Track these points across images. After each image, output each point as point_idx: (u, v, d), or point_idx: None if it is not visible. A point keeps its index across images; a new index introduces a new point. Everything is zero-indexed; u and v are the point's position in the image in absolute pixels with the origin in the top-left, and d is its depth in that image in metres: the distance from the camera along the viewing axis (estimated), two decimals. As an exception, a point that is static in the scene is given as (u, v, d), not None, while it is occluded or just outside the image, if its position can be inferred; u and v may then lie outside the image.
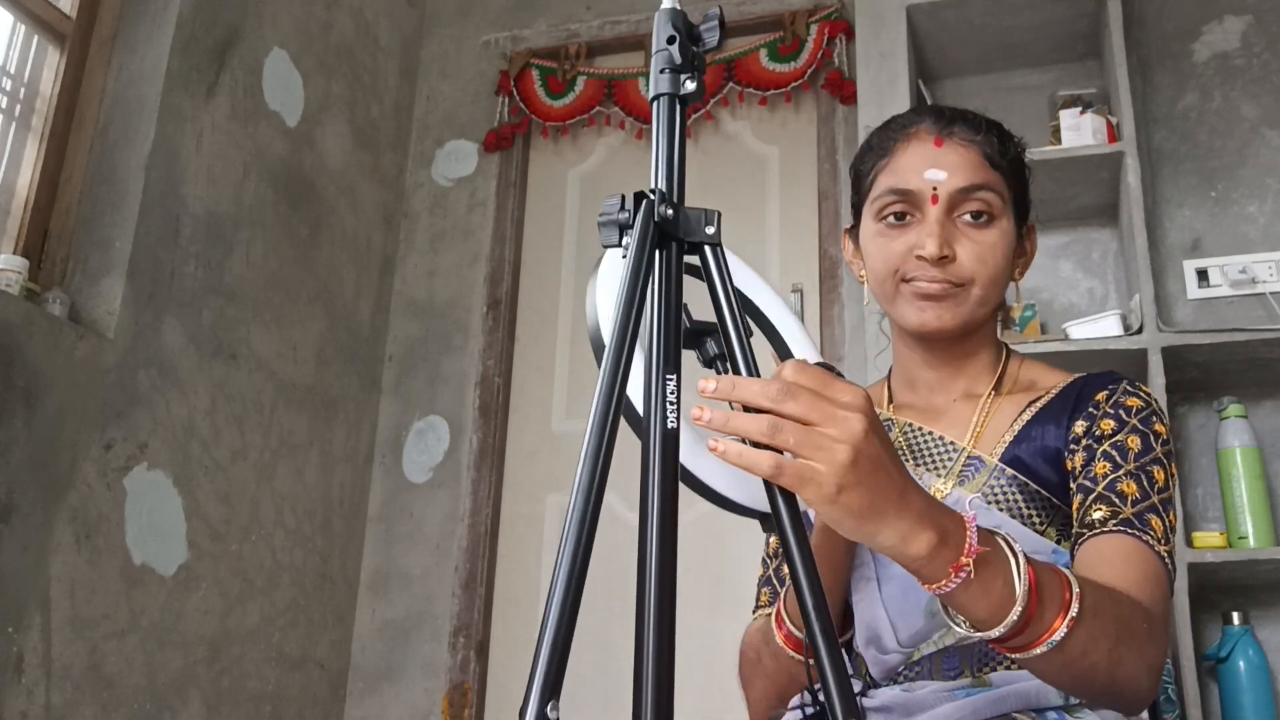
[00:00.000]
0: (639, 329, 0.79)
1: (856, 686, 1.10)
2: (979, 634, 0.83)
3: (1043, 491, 1.07)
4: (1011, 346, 1.24)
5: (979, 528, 0.81)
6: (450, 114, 3.30)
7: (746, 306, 1.09)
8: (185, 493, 2.33)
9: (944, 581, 0.79)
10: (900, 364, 1.22)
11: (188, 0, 2.42)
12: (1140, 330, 2.20)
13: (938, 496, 1.06)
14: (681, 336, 0.81)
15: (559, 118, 3.14)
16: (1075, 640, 0.85)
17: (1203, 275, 2.47)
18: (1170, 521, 1.01)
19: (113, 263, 2.23)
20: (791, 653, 1.08)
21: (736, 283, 0.93)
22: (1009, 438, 1.11)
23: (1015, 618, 0.81)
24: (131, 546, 2.18)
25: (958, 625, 0.85)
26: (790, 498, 0.77)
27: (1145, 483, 1.02)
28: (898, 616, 1.07)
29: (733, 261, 0.95)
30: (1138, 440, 1.05)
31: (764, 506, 0.78)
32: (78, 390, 2.08)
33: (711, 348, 0.89)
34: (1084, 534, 1.01)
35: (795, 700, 1.14)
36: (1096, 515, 1.01)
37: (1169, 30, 2.67)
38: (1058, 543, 1.06)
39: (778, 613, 1.11)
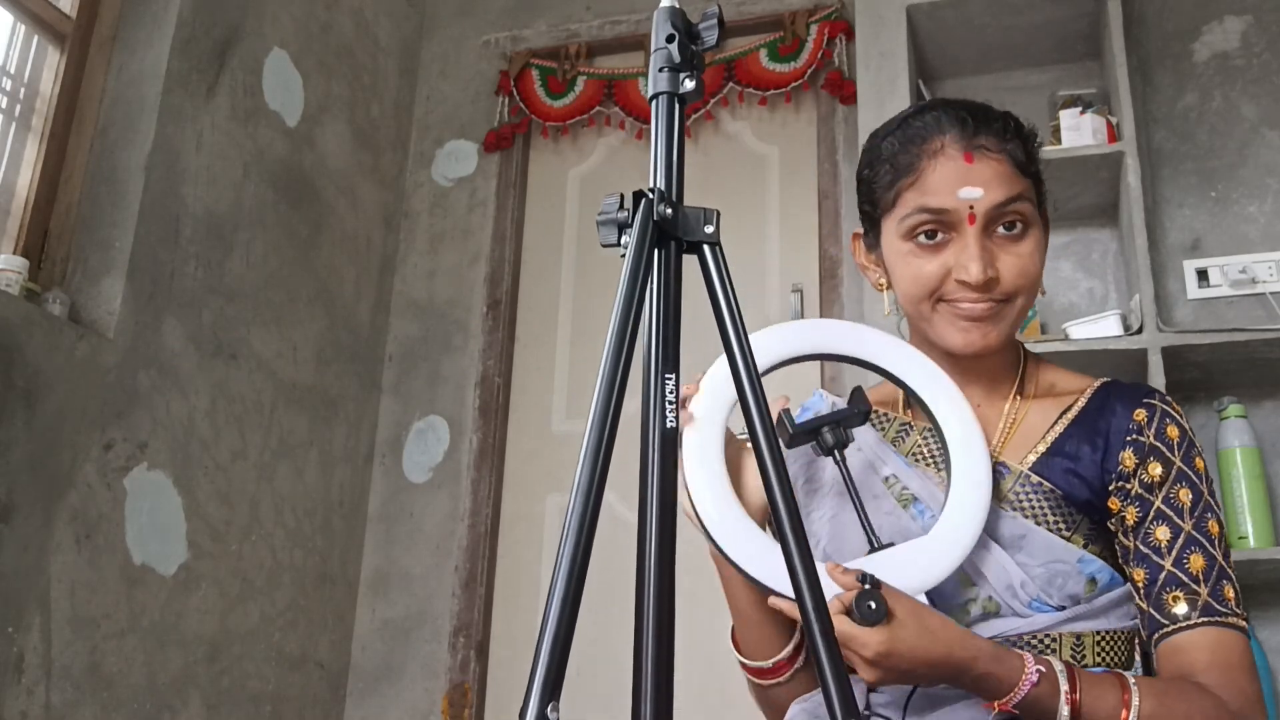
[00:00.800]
0: (639, 328, 0.79)
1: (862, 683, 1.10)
2: None
3: (1068, 500, 1.07)
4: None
5: (1040, 674, 0.95)
6: (450, 114, 3.30)
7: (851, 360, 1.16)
8: (185, 493, 2.33)
9: (985, 708, 0.97)
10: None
11: (188, 0, 2.42)
12: (1140, 330, 2.20)
13: None
14: (680, 336, 0.81)
15: (559, 118, 3.14)
16: None
17: (1203, 275, 2.47)
18: (1232, 567, 1.05)
19: (113, 263, 2.23)
20: (755, 680, 1.14)
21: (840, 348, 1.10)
22: (1041, 449, 1.10)
23: None
24: (131, 546, 2.18)
25: None
26: (789, 493, 0.77)
27: (1207, 544, 1.04)
28: None
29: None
30: (1188, 492, 1.05)
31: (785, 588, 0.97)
32: (78, 390, 2.08)
33: (829, 438, 1.05)
34: (1165, 626, 1.03)
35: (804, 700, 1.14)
36: (1179, 610, 1.02)
37: (1169, 30, 2.67)
38: (1084, 548, 1.05)
39: (734, 636, 1.16)
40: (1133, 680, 0.96)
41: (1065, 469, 1.08)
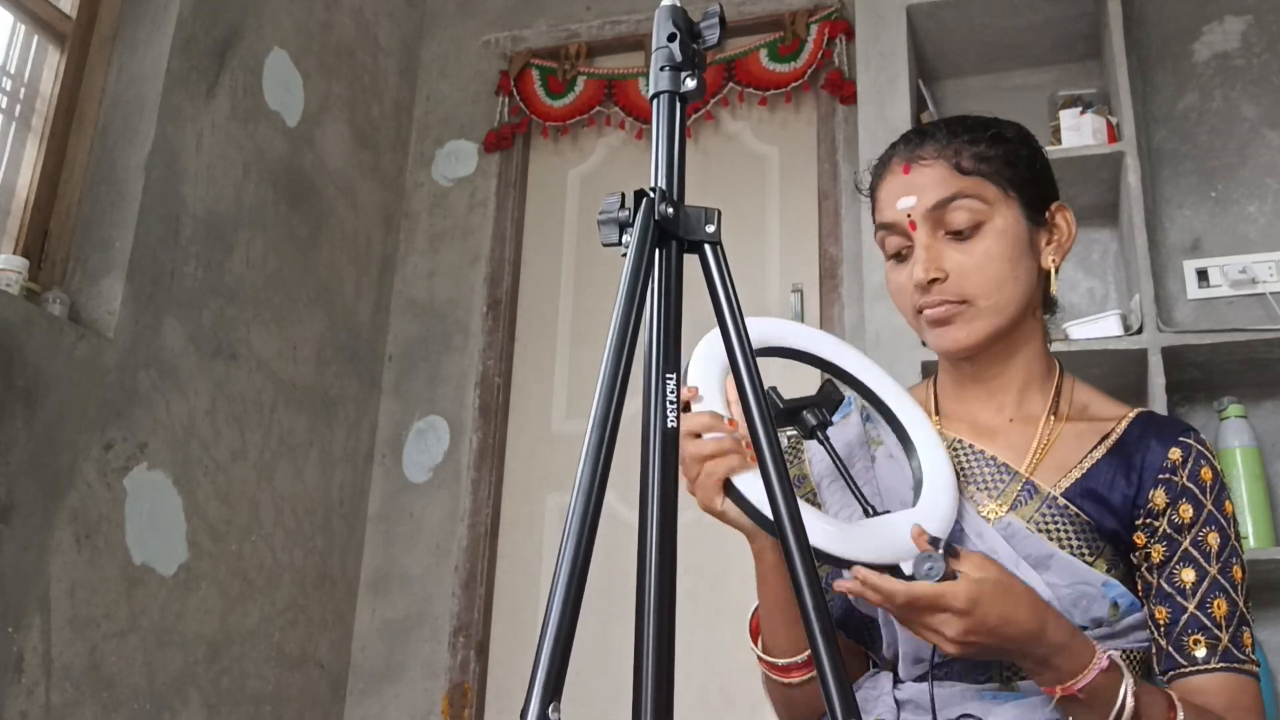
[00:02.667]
0: (639, 328, 0.79)
1: (890, 678, 1.10)
2: None
3: (1095, 528, 1.07)
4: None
5: (1110, 660, 0.95)
6: (450, 114, 3.30)
7: (835, 372, 1.16)
8: (185, 493, 2.33)
9: (1047, 692, 0.97)
10: (946, 375, 1.20)
11: (188, 0, 2.42)
12: (1140, 330, 2.20)
13: (991, 518, 1.08)
14: (680, 336, 0.81)
15: (559, 118, 3.14)
16: None
17: (1203, 275, 2.47)
18: (1251, 613, 1.07)
19: (113, 263, 2.23)
20: (776, 678, 1.13)
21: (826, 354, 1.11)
22: (1076, 475, 1.09)
23: None
24: (131, 546, 2.18)
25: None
26: (789, 493, 0.77)
27: (1231, 589, 1.06)
28: None
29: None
30: (1216, 536, 1.06)
31: (862, 557, 0.96)
32: (78, 390, 2.08)
33: (810, 419, 1.05)
34: (1183, 667, 1.04)
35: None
36: (1199, 653, 1.03)
37: (1169, 30, 2.67)
38: (1107, 573, 1.05)
39: (752, 626, 1.15)
40: (1177, 699, 0.99)
41: (1098, 498, 1.07)
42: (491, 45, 3.29)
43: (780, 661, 1.12)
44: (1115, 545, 1.07)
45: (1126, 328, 2.26)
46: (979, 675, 1.06)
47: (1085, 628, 1.04)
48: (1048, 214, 1.15)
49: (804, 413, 1.05)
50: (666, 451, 0.75)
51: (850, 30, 2.88)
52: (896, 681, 1.10)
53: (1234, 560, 1.07)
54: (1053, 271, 1.14)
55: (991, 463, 1.12)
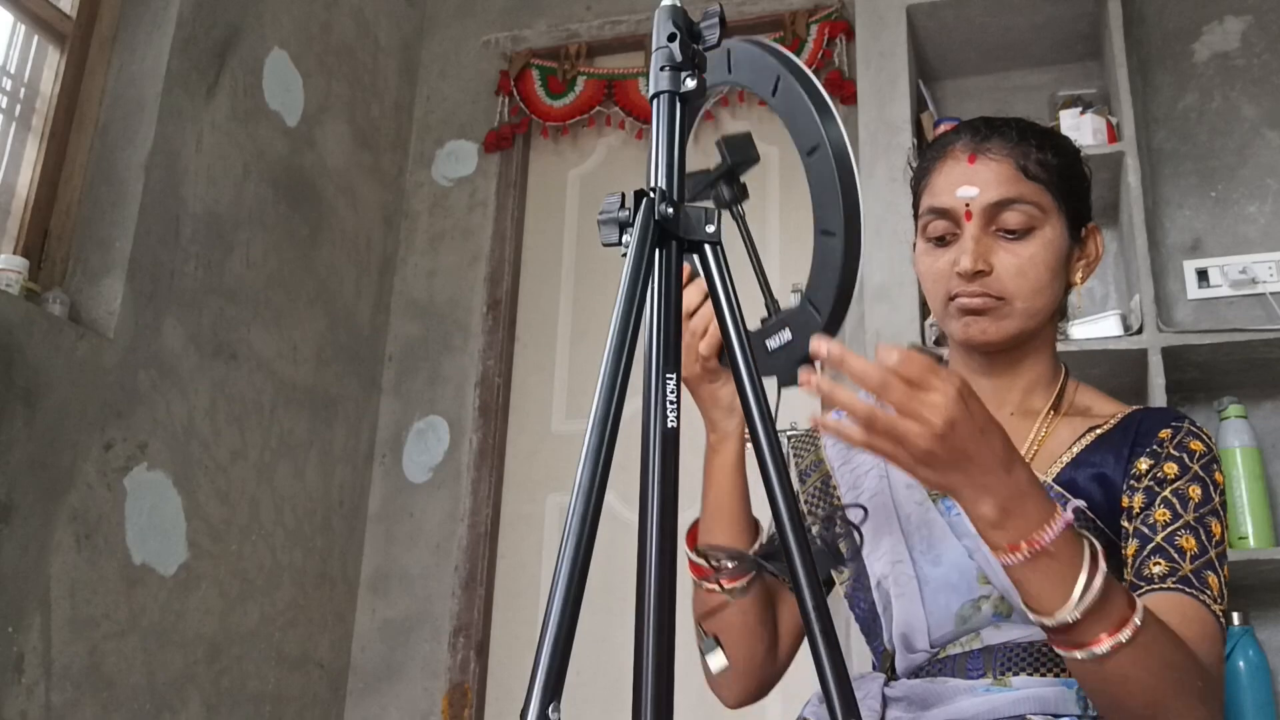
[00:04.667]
0: (639, 328, 0.79)
1: (881, 679, 1.10)
2: (1031, 615, 0.89)
3: (1089, 514, 1.07)
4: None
5: (1069, 528, 0.87)
6: (450, 114, 3.30)
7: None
8: (185, 493, 2.33)
9: (1002, 555, 0.88)
10: (956, 370, 1.21)
11: (188, 0, 2.42)
12: (1140, 330, 2.20)
13: None
14: (680, 336, 0.81)
15: (559, 118, 3.14)
16: (1117, 663, 0.88)
17: (1203, 275, 2.47)
18: (1225, 576, 1.02)
19: (113, 263, 2.23)
20: (705, 584, 1.13)
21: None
22: (1066, 459, 1.11)
23: (1063, 619, 0.87)
24: (131, 546, 2.18)
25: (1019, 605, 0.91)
26: (789, 493, 0.77)
27: (1204, 536, 1.03)
28: (933, 617, 1.09)
29: None
30: (1199, 490, 1.05)
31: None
32: (78, 390, 2.08)
33: (725, 193, 1.00)
34: (1140, 586, 1.01)
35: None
36: (1156, 570, 1.01)
37: (1169, 30, 2.67)
38: None
39: (688, 539, 1.14)
40: (1138, 600, 0.93)
41: (1089, 475, 1.09)
42: (491, 45, 3.29)
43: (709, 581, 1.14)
44: (1106, 537, 1.07)
45: (1126, 328, 2.26)
46: (973, 672, 1.06)
47: None
48: (1084, 231, 1.18)
49: (720, 186, 1.00)
50: (666, 451, 0.75)
51: (850, 30, 2.88)
52: (888, 681, 1.10)
53: (1213, 517, 1.04)
54: (1078, 286, 1.17)
55: None
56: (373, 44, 3.14)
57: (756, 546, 1.14)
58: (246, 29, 2.62)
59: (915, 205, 1.21)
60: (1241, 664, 2.09)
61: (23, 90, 2.29)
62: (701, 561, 1.14)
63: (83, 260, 2.24)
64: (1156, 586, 1.00)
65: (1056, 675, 1.03)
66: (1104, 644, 0.87)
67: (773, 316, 0.97)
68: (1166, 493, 1.05)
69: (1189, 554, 1.01)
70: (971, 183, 1.12)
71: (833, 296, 0.91)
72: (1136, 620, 0.88)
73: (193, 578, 2.34)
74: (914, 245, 1.26)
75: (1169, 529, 1.03)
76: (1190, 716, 0.91)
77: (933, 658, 1.09)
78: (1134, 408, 1.16)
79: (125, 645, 2.15)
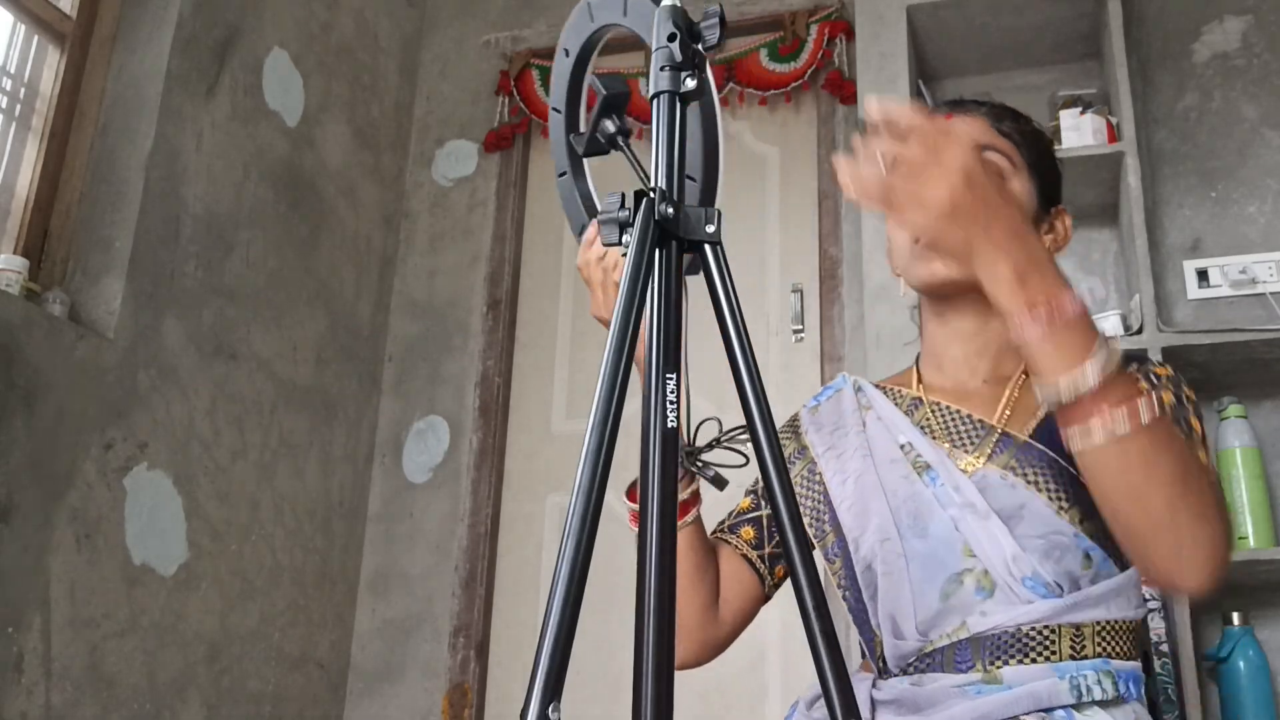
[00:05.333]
0: (639, 328, 0.79)
1: (870, 679, 1.10)
2: (1043, 390, 0.87)
3: (1070, 469, 1.06)
4: None
5: (1082, 309, 0.86)
6: (450, 114, 3.30)
7: None
8: (185, 493, 2.33)
9: (1022, 318, 0.86)
10: (928, 345, 1.24)
11: (188, 0, 2.42)
12: (1140, 330, 2.20)
13: (968, 471, 1.10)
14: (680, 336, 0.81)
15: (559, 118, 3.14)
16: (1140, 438, 0.86)
17: (1203, 275, 2.47)
18: (1207, 461, 1.03)
19: (113, 263, 2.23)
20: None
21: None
22: (1041, 413, 1.12)
23: (1086, 381, 0.84)
24: (131, 546, 2.18)
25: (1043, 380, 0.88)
26: (789, 494, 0.77)
27: (1184, 428, 1.04)
28: (918, 596, 1.08)
29: None
30: (1171, 396, 1.07)
31: None
32: (78, 390, 2.08)
33: (609, 126, 0.98)
34: None
35: (810, 693, 1.14)
36: None
37: (1169, 30, 2.67)
38: (1080, 524, 1.05)
39: (630, 487, 1.12)
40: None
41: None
42: (491, 45, 3.29)
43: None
44: (1089, 494, 1.06)
45: (1126, 328, 2.26)
46: (962, 665, 1.05)
47: (1059, 584, 1.04)
48: (1053, 211, 1.21)
49: (603, 121, 0.98)
50: (666, 451, 0.76)
51: (850, 30, 2.88)
52: (876, 680, 1.10)
53: (1192, 417, 1.05)
54: None
55: (969, 420, 1.15)
56: (373, 44, 3.14)
57: (687, 494, 1.14)
58: (246, 29, 2.62)
59: None
60: (1241, 664, 2.10)
61: (23, 90, 2.29)
62: (633, 505, 1.12)
63: (83, 260, 2.24)
64: None
65: (1046, 660, 1.02)
66: (1120, 422, 0.85)
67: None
68: None
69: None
70: None
71: (700, 165, 0.92)
72: (1154, 403, 0.86)
73: (193, 578, 2.34)
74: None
75: None
76: (1208, 519, 0.89)
77: (921, 651, 1.08)
78: None
79: (125, 645, 2.15)
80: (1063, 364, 0.86)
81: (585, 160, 1.07)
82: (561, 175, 1.10)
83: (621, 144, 0.99)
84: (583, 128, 1.06)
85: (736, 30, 3.04)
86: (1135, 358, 1.13)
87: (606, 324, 1.10)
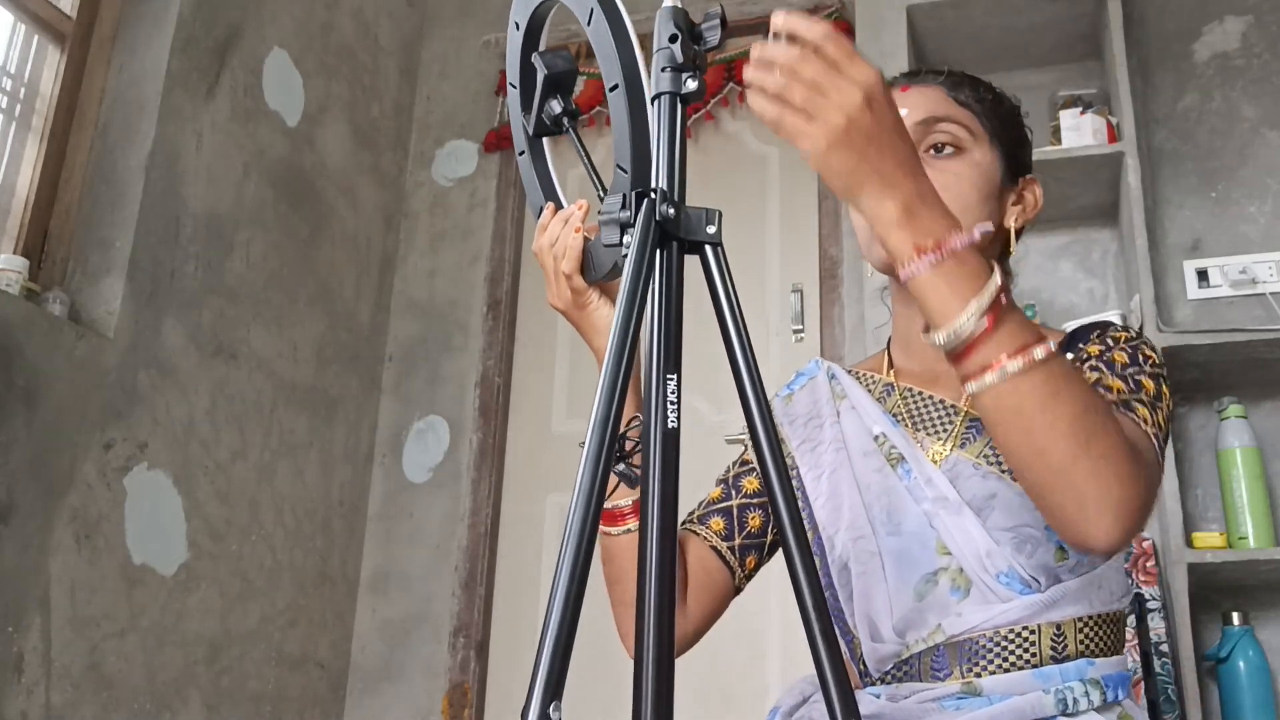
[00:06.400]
0: (640, 328, 0.79)
1: None
2: (932, 336, 0.84)
3: None
4: None
5: (974, 247, 0.83)
6: (450, 114, 3.30)
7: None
8: (185, 493, 2.33)
9: (907, 259, 0.83)
10: (898, 328, 1.21)
11: (188, 0, 2.42)
12: (1140, 330, 2.20)
13: (937, 459, 1.07)
14: (681, 337, 0.81)
15: (559, 118, 3.14)
16: (1033, 383, 0.82)
17: (1203, 275, 2.47)
18: (1161, 420, 0.98)
19: (113, 263, 2.23)
20: (606, 529, 1.10)
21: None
22: None
23: (966, 326, 0.81)
24: (131, 546, 2.18)
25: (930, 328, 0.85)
26: (789, 494, 0.77)
27: (1131, 385, 1.00)
28: (894, 595, 1.06)
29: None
30: (1124, 355, 1.04)
31: None
32: (78, 390, 2.08)
33: (555, 106, 0.98)
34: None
35: (790, 699, 1.13)
36: None
37: (1169, 30, 2.67)
38: None
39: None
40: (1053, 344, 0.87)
41: None
42: (491, 45, 3.29)
43: (622, 503, 1.09)
44: None
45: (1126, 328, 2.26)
46: (939, 673, 1.03)
47: (1035, 579, 1.01)
48: (1021, 181, 1.17)
49: (550, 102, 0.97)
50: (666, 451, 0.76)
51: (850, 30, 2.87)
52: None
53: (1145, 377, 1.01)
54: (1012, 235, 1.16)
55: (940, 405, 1.13)
56: (373, 44, 3.14)
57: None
58: (246, 29, 2.62)
59: None
60: (1241, 664, 2.10)
61: (23, 90, 2.29)
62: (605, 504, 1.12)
63: (83, 260, 2.24)
64: None
65: (1026, 665, 1.00)
66: (1017, 358, 0.81)
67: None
68: (1093, 362, 1.05)
69: (1115, 391, 0.99)
70: (903, 105, 1.11)
71: (629, 154, 0.91)
72: (1051, 345, 0.83)
73: (193, 578, 2.34)
74: None
75: (1094, 384, 1.00)
76: (1115, 464, 0.85)
77: (898, 658, 1.06)
78: (1072, 330, 1.16)
79: (125, 645, 2.15)
80: (948, 306, 0.82)
81: (544, 140, 1.06)
82: (520, 154, 1.08)
83: (568, 125, 0.98)
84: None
85: (737, 30, 3.04)
86: (1098, 325, 1.11)
87: (560, 313, 1.10)
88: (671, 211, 0.82)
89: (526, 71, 1.04)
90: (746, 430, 0.83)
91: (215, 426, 2.43)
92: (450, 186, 3.22)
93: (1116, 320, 2.26)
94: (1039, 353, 0.82)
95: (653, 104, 0.87)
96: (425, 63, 3.38)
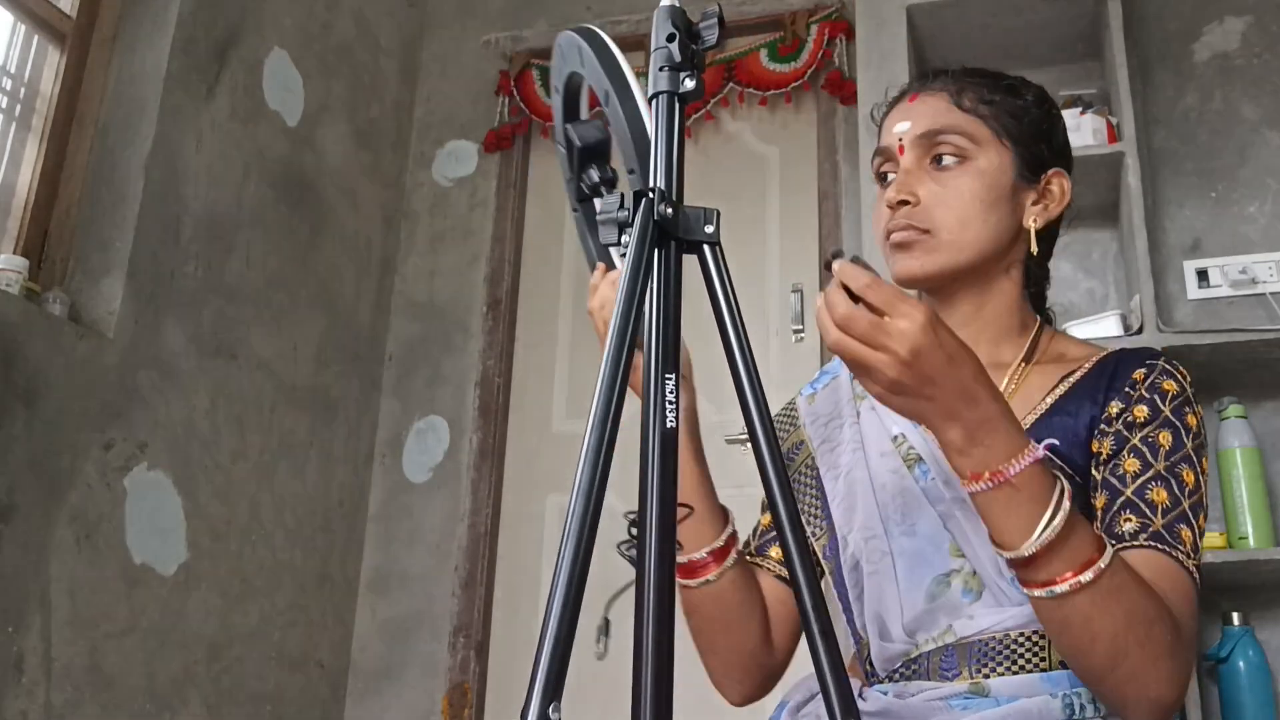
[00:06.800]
0: (639, 328, 0.79)
1: (855, 686, 1.08)
2: (993, 548, 0.90)
3: (1066, 469, 1.03)
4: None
5: (1039, 465, 0.86)
6: (450, 114, 3.30)
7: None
8: (185, 493, 2.33)
9: (966, 483, 0.88)
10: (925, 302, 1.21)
11: (188, 0, 2.42)
12: (1140, 330, 2.20)
13: None
14: (680, 336, 0.81)
15: (559, 118, 3.14)
16: (1077, 605, 0.87)
17: (1203, 275, 2.47)
18: (1200, 526, 0.99)
19: (113, 263, 2.23)
20: (684, 581, 1.10)
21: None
22: (1041, 409, 1.07)
23: (1021, 553, 0.86)
24: (131, 546, 2.18)
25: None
26: (789, 494, 0.78)
27: (1175, 487, 0.99)
28: (905, 595, 1.06)
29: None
30: (1169, 436, 1.01)
31: None
32: (78, 390, 2.08)
33: (594, 175, 0.97)
34: (1111, 544, 0.96)
35: (798, 695, 1.13)
36: (1127, 527, 0.97)
37: (1169, 30, 2.67)
38: None
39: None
40: (1109, 544, 0.90)
41: (1065, 427, 1.05)
42: (491, 45, 3.29)
43: (681, 559, 1.10)
44: (1085, 493, 1.04)
45: (1126, 328, 2.26)
46: (948, 673, 1.03)
47: None
48: (1044, 176, 1.15)
49: (589, 170, 0.97)
50: (666, 451, 0.76)
51: (850, 30, 2.88)
52: (861, 690, 1.07)
53: (1186, 465, 1.00)
54: (1032, 233, 1.13)
55: None
56: (373, 44, 3.14)
57: (724, 538, 1.11)
58: (246, 29, 2.62)
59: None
60: (1241, 664, 2.10)
61: (23, 90, 2.29)
62: (679, 558, 1.11)
63: (83, 260, 2.24)
64: (1128, 544, 0.96)
65: (1035, 669, 1.00)
66: (1064, 583, 0.86)
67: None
68: (1136, 440, 1.02)
69: (1160, 507, 0.98)
70: (906, 118, 1.13)
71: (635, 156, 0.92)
72: (1102, 563, 0.86)
73: (193, 578, 2.34)
74: None
75: (1139, 481, 0.99)
76: (1155, 669, 0.89)
77: (906, 657, 1.06)
78: (1109, 349, 1.12)
79: (125, 645, 2.15)
80: (1007, 530, 0.87)
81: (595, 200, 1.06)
82: (574, 211, 1.08)
83: (604, 194, 0.97)
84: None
85: (736, 30, 3.04)
86: (1148, 355, 1.08)
87: None
88: (669, 211, 0.82)
89: (567, 133, 1.05)
90: (745, 430, 0.83)
91: (215, 427, 2.43)
92: (450, 186, 3.22)
93: (1116, 318, 2.26)
94: (1088, 576, 0.86)
95: (650, 103, 0.87)
96: (425, 63, 3.38)
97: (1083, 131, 2.38)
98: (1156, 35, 2.66)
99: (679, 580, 1.10)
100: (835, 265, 0.86)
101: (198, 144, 2.44)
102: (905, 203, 1.09)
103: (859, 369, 0.87)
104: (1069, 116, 2.40)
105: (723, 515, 1.12)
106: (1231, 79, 2.60)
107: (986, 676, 1.01)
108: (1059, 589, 0.86)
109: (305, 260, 2.78)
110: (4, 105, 2.24)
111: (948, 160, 1.10)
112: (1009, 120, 1.13)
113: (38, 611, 1.97)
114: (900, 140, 1.12)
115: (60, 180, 2.30)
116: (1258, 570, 2.12)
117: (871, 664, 1.09)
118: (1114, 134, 2.38)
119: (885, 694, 1.04)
